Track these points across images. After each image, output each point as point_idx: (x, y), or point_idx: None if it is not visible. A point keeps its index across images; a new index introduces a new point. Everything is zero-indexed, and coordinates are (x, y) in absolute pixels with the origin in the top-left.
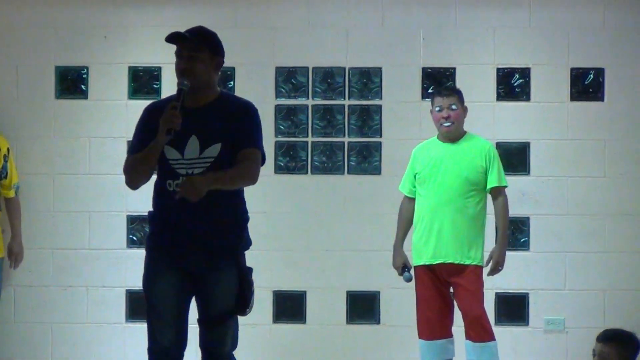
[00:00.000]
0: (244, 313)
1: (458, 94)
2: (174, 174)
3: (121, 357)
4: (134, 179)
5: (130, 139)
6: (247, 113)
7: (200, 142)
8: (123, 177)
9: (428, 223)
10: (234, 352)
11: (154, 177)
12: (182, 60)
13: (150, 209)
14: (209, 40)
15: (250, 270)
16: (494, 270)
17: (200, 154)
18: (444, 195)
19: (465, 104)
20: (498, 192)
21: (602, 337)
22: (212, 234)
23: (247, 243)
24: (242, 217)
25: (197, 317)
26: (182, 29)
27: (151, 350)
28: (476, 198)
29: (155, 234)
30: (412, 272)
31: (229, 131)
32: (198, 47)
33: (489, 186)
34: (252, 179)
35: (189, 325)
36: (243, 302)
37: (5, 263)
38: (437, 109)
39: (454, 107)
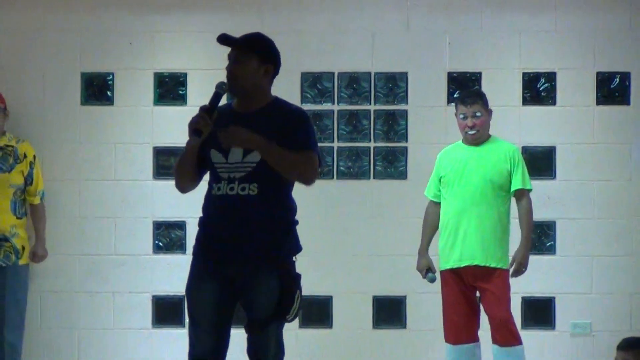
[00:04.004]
0: (285, 320)
1: (482, 99)
2: (218, 178)
3: None
4: (177, 181)
5: (156, 144)
6: (299, 120)
7: None
8: (148, 182)
9: (453, 227)
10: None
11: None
12: (229, 63)
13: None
14: (259, 46)
15: (297, 276)
16: (517, 272)
17: (243, 158)
18: (468, 198)
19: (492, 107)
20: (522, 195)
21: (623, 345)
22: (253, 239)
23: (294, 248)
24: (286, 222)
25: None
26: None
27: (190, 357)
28: (501, 200)
29: (199, 239)
30: (436, 274)
31: (276, 138)
32: (245, 52)
33: (513, 188)
34: (304, 174)
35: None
36: (283, 309)
37: (30, 269)
38: (462, 116)
39: (478, 114)
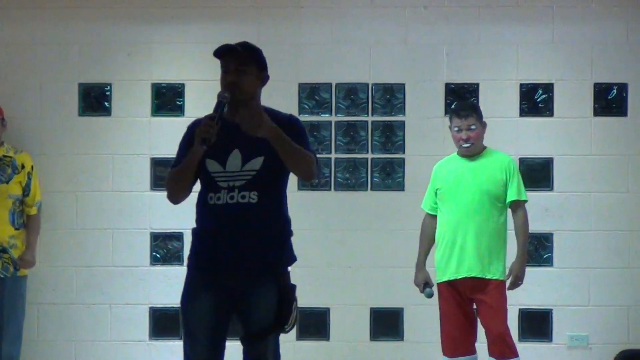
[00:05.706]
0: (283, 330)
1: (476, 112)
2: (215, 187)
3: None
4: (173, 192)
5: (153, 155)
6: (292, 124)
7: (242, 155)
8: (146, 194)
9: (450, 239)
10: None
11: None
12: (229, 74)
13: (191, 225)
14: (257, 54)
15: (293, 287)
16: (514, 285)
17: (242, 167)
18: (465, 210)
19: (489, 119)
20: (517, 206)
21: (620, 357)
22: (252, 249)
23: (290, 259)
24: (283, 232)
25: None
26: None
27: None
28: (497, 212)
29: (196, 251)
30: (433, 288)
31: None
32: (246, 61)
33: (508, 199)
34: (310, 167)
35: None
36: (281, 319)
37: (29, 280)
38: (456, 129)
39: (472, 127)
